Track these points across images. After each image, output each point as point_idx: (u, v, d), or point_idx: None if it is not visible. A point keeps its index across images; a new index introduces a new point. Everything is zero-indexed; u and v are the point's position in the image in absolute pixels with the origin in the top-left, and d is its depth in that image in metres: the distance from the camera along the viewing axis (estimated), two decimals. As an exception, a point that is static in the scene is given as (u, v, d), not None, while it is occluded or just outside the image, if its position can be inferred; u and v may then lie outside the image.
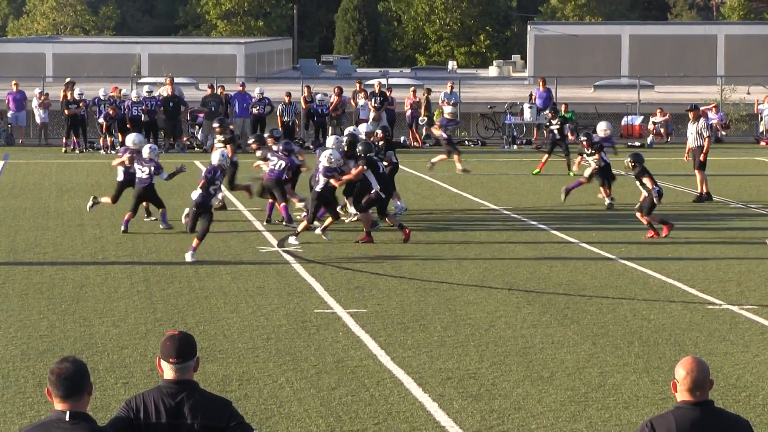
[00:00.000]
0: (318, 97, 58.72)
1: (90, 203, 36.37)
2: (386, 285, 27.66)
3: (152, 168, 34.53)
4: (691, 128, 41.95)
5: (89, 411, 10.06)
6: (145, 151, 35.54)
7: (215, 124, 35.79)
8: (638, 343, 22.44)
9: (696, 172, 40.60)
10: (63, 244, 32.43)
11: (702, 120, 42.31)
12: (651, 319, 24.55)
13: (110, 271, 28.97)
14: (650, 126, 61.68)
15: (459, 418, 18.04)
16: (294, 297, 25.99)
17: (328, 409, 18.47)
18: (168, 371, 10.37)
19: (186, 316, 24.14)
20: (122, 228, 34.14)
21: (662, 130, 58.48)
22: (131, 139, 36.69)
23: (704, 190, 40.17)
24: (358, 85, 63.03)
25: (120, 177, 35.97)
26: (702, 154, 40.59)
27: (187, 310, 24.81)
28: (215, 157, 32.25)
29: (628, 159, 33.80)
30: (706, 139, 41.01)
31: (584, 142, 39.72)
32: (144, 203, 35.44)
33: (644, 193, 33.12)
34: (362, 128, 39.46)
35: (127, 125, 55.28)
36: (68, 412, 9.79)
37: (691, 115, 42.59)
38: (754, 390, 19.36)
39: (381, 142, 35.12)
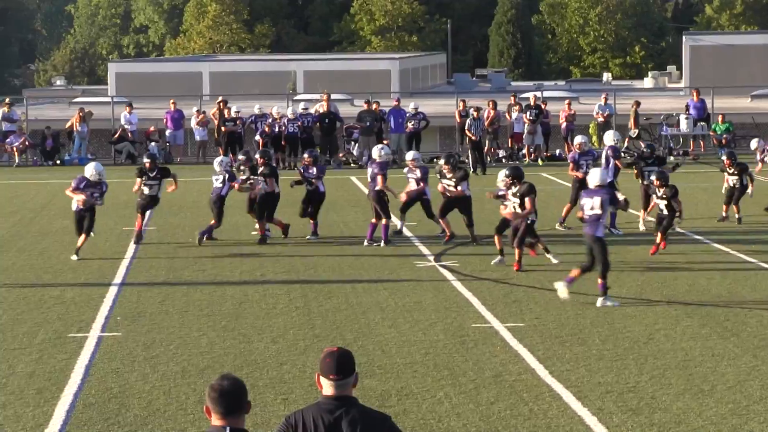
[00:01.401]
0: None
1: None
2: (543, 298, 27.57)
3: (225, 176, 34.81)
4: None
5: (251, 427, 10.11)
6: (217, 164, 35.97)
7: (146, 160, 34.65)
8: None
9: None
10: (222, 262, 32.67)
11: None
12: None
13: (268, 288, 29.10)
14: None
15: (619, 433, 18.00)
16: (451, 312, 25.99)
17: (487, 423, 18.46)
18: (327, 387, 10.44)
19: (344, 331, 24.19)
20: (198, 238, 34.52)
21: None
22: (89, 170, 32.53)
23: None
24: (512, 98, 62.88)
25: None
26: None
27: (345, 326, 24.89)
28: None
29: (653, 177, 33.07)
30: None
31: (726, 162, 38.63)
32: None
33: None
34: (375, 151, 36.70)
35: (282, 143, 55.71)
36: (228, 428, 9.87)
37: None
38: None
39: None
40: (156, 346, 23.54)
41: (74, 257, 31.42)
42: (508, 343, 23.46)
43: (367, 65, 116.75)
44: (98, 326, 25.28)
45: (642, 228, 36.65)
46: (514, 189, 27.27)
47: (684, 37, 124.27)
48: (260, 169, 35.24)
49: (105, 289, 28.85)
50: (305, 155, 36.04)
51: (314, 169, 35.22)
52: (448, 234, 33.72)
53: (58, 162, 59.72)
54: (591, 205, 26.24)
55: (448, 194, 33.16)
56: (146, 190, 33.41)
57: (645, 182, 35.99)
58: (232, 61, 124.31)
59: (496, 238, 29.66)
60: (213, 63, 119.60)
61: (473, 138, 54.60)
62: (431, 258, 32.43)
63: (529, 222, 28.13)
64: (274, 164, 36.13)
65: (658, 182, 31.40)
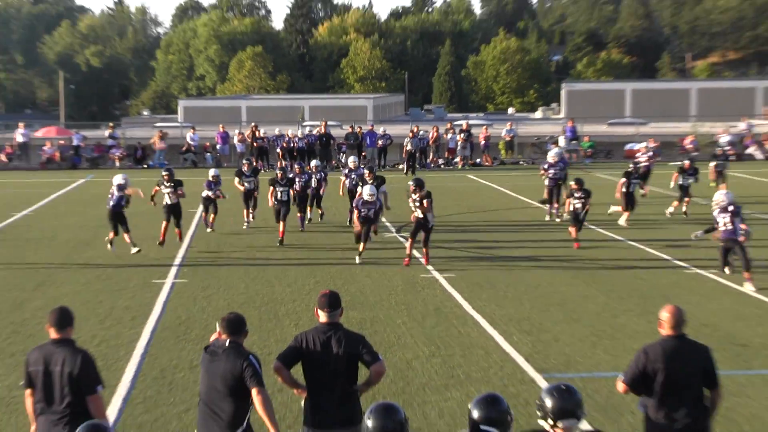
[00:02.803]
0: (421, 134, 58.38)
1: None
2: (468, 257, 27.68)
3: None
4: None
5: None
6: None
7: (164, 173, 30.18)
8: (637, 297, 22.35)
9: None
10: (254, 239, 32.61)
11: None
12: (646, 279, 24.44)
13: (286, 252, 29.01)
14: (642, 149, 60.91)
15: (517, 347, 18.07)
16: (406, 267, 26.00)
17: (430, 340, 18.53)
18: (322, 317, 10.64)
19: (336, 280, 24.14)
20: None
21: (653, 153, 57.54)
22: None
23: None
24: (449, 124, 62.83)
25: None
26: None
27: (337, 277, 24.83)
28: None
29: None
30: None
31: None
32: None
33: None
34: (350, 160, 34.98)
35: (294, 153, 55.68)
36: (228, 341, 10.08)
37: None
38: (714, 327, 19.29)
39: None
40: (210, 289, 23.56)
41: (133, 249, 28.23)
42: (444, 287, 23.50)
43: (351, 102, 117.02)
44: (171, 276, 25.29)
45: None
46: (415, 195, 26.02)
47: (563, 84, 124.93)
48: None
49: (175, 251, 28.86)
50: (312, 163, 35.11)
51: (321, 174, 33.67)
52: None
53: (144, 166, 59.62)
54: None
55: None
56: (167, 200, 29.63)
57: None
58: (261, 99, 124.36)
59: (409, 242, 26.78)
60: (249, 100, 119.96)
61: (409, 149, 54.79)
62: (393, 230, 32.35)
63: (430, 227, 26.25)
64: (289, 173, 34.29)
65: (576, 186, 29.54)
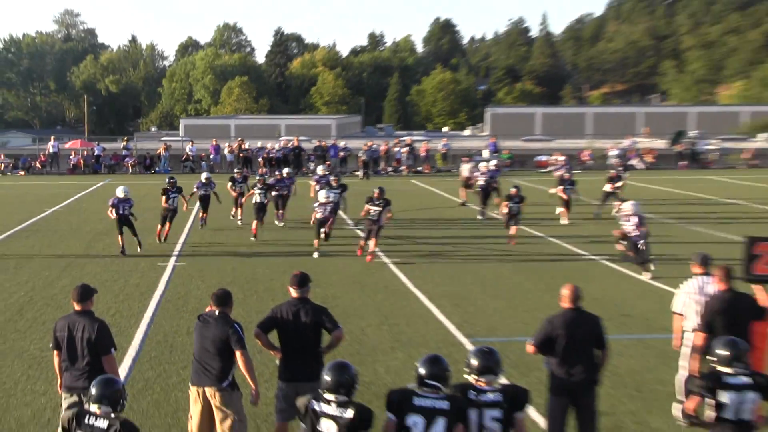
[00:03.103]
0: (373, 146, 58.41)
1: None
2: (411, 244, 27.71)
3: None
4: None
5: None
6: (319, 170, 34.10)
7: (170, 179, 29.02)
8: (548, 278, 22.42)
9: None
10: (239, 235, 32.46)
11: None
12: (557, 266, 24.51)
13: (265, 243, 28.93)
14: (551, 160, 61.15)
15: (449, 317, 18.09)
16: (362, 256, 25.92)
17: (380, 311, 18.52)
18: (293, 292, 10.64)
19: (305, 264, 24.06)
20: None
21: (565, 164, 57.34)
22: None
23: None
24: (396, 140, 63.01)
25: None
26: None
27: (305, 262, 24.77)
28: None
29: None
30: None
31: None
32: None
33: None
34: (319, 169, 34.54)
35: (273, 162, 55.58)
36: (218, 311, 10.24)
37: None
38: (605, 301, 19.39)
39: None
40: (204, 271, 23.44)
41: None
42: (392, 270, 23.46)
43: (318, 121, 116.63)
44: (172, 261, 25.14)
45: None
46: (377, 201, 25.09)
47: (487, 108, 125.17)
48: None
49: (176, 240, 28.70)
50: (284, 170, 34.61)
51: (289, 180, 32.83)
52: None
53: (152, 172, 59.38)
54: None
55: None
56: (169, 203, 28.31)
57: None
58: (246, 118, 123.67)
59: (366, 242, 25.64)
60: (236, 119, 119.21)
61: (364, 159, 55.01)
62: (351, 224, 32.23)
63: (381, 224, 25.05)
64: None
65: (515, 191, 28.48)
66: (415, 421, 7.67)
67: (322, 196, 26.69)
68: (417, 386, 7.89)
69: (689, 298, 12.46)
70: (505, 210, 28.48)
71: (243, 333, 10.14)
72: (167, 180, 29.36)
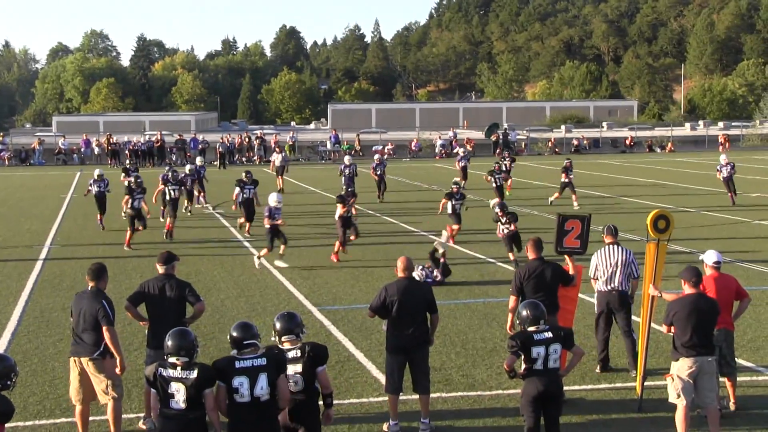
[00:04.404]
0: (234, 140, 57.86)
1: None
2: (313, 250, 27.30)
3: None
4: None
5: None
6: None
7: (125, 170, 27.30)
8: (383, 254, 22.39)
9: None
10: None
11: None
12: (397, 245, 24.53)
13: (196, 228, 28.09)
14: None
15: (299, 288, 18.00)
16: (223, 237, 25.49)
17: (237, 285, 18.29)
18: (160, 269, 10.48)
19: (173, 246, 23.56)
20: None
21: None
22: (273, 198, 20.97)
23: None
24: (246, 133, 62.72)
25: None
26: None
27: (176, 245, 24.32)
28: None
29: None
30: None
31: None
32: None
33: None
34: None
35: (138, 154, 54.76)
36: (90, 286, 10.07)
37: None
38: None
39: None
40: (77, 253, 22.65)
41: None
42: (249, 249, 23.17)
43: (180, 117, 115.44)
44: (47, 244, 24.21)
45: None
46: (249, 186, 24.00)
47: (329, 105, 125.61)
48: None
49: (51, 228, 27.61)
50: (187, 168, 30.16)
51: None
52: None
53: (27, 164, 57.66)
54: None
55: None
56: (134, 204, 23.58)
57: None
58: (114, 115, 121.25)
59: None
60: (105, 117, 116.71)
61: (221, 151, 54.50)
62: (211, 208, 31.59)
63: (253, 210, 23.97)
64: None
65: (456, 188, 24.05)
66: (240, 381, 7.70)
67: (274, 199, 21.67)
68: (236, 351, 7.86)
69: (600, 264, 12.44)
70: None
71: (111, 309, 9.84)
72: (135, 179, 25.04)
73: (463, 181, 32.02)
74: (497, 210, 20.70)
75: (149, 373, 7.84)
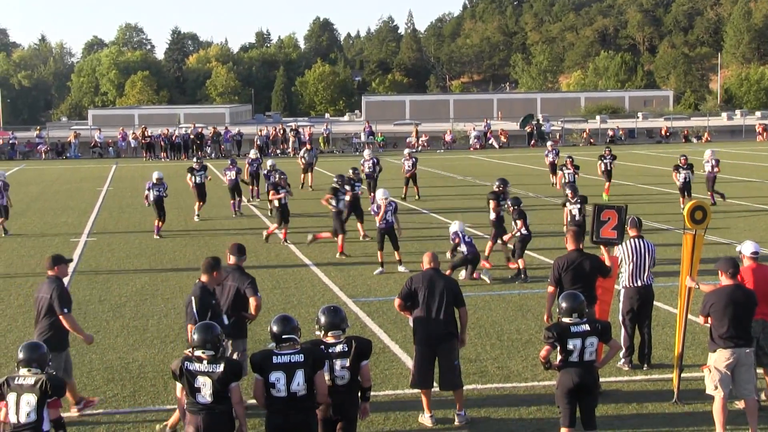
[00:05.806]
0: (264, 132, 58.06)
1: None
2: (301, 221, 27.35)
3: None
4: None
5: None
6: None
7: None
8: (415, 252, 22.36)
9: None
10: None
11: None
12: (429, 241, 24.48)
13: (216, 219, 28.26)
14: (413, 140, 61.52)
15: (334, 280, 18.02)
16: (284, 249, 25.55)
17: (272, 277, 18.36)
18: (231, 259, 11.32)
19: (214, 238, 23.60)
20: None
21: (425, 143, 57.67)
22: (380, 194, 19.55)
23: None
24: (281, 125, 62.82)
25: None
26: None
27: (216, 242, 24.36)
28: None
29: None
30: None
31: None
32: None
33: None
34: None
35: (173, 144, 55.27)
36: (48, 273, 10.65)
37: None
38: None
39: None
40: (113, 243, 22.83)
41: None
42: (286, 244, 23.27)
43: (215, 110, 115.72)
44: (84, 236, 24.43)
45: None
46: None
47: (363, 97, 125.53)
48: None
49: (87, 219, 27.77)
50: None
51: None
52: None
53: (64, 158, 58.10)
54: None
55: None
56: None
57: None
58: (149, 108, 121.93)
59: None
60: (140, 109, 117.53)
61: (259, 144, 54.49)
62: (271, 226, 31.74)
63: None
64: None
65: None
66: (277, 377, 7.71)
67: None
68: (275, 345, 7.88)
69: (626, 258, 12.26)
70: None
71: (66, 295, 10.37)
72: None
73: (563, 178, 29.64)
74: (568, 191, 20.73)
75: (175, 367, 7.86)
